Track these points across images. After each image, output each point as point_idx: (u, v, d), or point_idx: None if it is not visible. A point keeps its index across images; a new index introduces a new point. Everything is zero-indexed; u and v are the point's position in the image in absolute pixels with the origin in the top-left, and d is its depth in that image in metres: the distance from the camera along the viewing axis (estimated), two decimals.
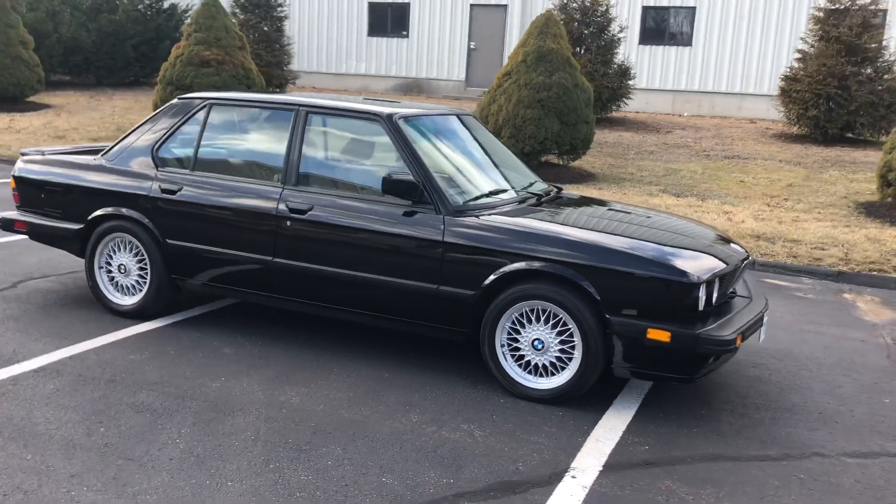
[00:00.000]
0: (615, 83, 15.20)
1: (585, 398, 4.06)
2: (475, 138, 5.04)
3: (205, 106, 4.84)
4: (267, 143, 4.67)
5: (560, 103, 10.86)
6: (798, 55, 14.95)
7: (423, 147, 4.39)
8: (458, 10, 20.78)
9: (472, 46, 20.79)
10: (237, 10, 17.82)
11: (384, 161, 4.38)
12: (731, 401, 4.25)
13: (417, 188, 4.13)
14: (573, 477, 3.31)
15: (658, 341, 3.75)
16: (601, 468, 3.40)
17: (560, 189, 5.13)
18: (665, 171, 12.11)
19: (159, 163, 4.84)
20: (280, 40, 18.15)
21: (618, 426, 3.81)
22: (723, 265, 4.03)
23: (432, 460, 3.38)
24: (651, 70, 19.20)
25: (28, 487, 2.99)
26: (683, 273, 3.75)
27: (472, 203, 4.27)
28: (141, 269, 4.89)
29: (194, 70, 12.74)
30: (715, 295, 3.96)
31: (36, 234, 5.19)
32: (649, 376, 3.93)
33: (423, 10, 21.17)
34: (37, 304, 5.10)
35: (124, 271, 4.93)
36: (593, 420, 3.86)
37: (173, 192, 4.70)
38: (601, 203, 4.96)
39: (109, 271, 4.99)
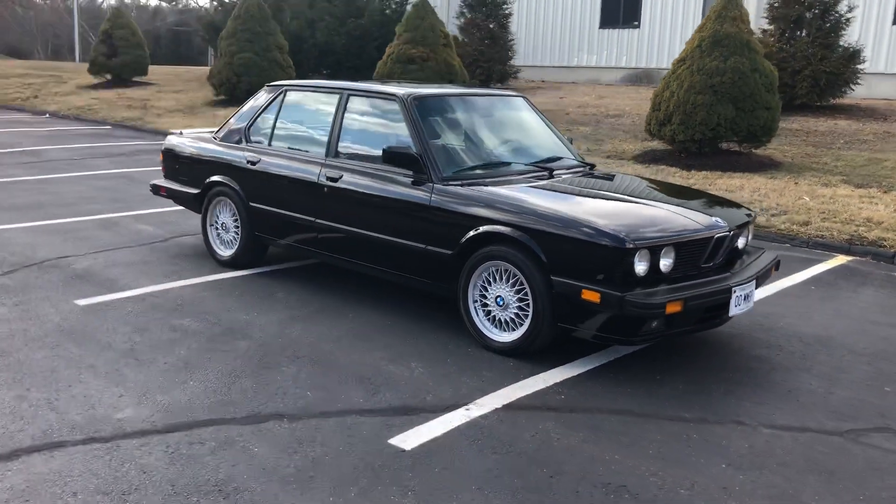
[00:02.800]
0: (837, 68, 14.07)
1: (553, 354, 4.37)
2: (511, 118, 5.46)
3: (283, 91, 5.77)
4: (321, 121, 5.46)
5: (735, 89, 10.51)
6: None
7: (431, 124, 4.93)
8: None
9: None
10: (465, 11, 18.96)
11: (402, 136, 4.97)
12: (702, 370, 4.31)
13: (414, 158, 4.69)
14: (467, 409, 3.72)
15: (591, 302, 3.99)
16: (499, 406, 3.77)
17: (592, 166, 5.39)
18: (865, 162, 11.16)
19: (249, 138, 5.86)
20: (504, 37, 19.02)
21: (553, 378, 4.11)
22: (680, 236, 4.13)
23: (360, 385, 3.97)
24: None
25: (57, 368, 4.07)
26: (618, 239, 3.94)
27: (462, 173, 4.75)
28: (236, 226, 5.94)
29: (401, 67, 14.01)
30: (666, 263, 4.08)
31: (173, 196, 6.47)
32: (598, 337, 4.16)
33: None
34: (170, 253, 6.38)
35: (225, 228, 6.03)
36: (536, 371, 4.18)
37: (254, 164, 5.68)
38: (626, 179, 5.15)
39: (216, 228, 6.11)
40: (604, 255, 3.96)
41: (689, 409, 3.83)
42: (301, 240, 5.46)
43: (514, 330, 4.38)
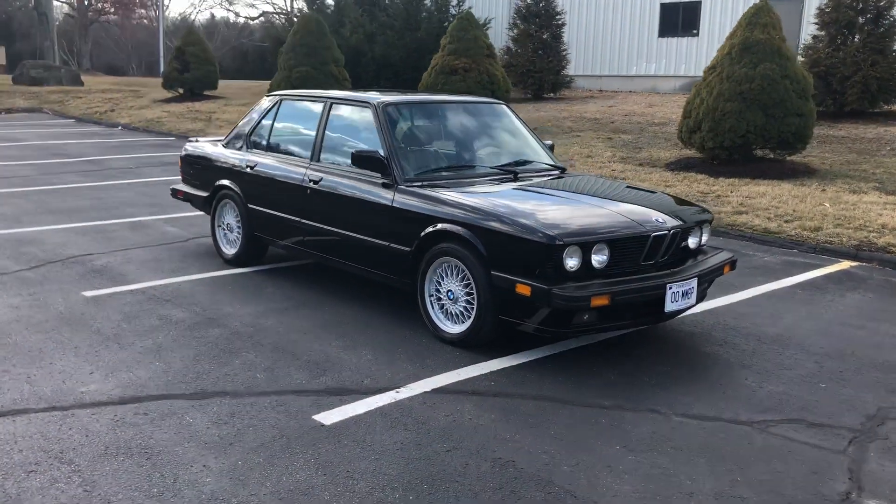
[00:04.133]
0: (889, 73, 13.74)
1: (501, 345, 4.59)
2: (488, 125, 5.73)
3: (279, 100, 6.19)
4: (309, 127, 5.85)
5: (764, 95, 10.46)
6: None
7: (401, 129, 5.25)
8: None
9: None
10: (518, 21, 19.23)
11: (375, 140, 5.29)
12: (641, 364, 4.47)
13: (380, 161, 5.01)
14: (396, 392, 4.00)
15: (524, 295, 4.21)
16: (428, 390, 4.03)
17: (563, 169, 5.60)
18: None
19: (251, 145, 6.29)
20: (557, 47, 19.19)
21: (491, 367, 4.34)
22: (612, 234, 4.31)
23: (307, 368, 4.30)
24: None
25: (45, 349, 4.54)
26: (547, 236, 4.16)
27: (424, 175, 5.04)
28: (238, 227, 6.37)
29: (444, 78, 14.38)
30: (599, 259, 4.27)
31: (188, 199, 6.96)
32: (537, 330, 4.37)
33: (714, 7, 20.73)
34: (184, 252, 6.87)
35: (230, 228, 6.47)
36: (478, 361, 4.42)
37: (252, 168, 6.11)
38: (589, 180, 5.35)
39: (222, 228, 6.56)
40: (534, 250, 4.19)
41: (611, 398, 4.01)
42: (291, 239, 5.84)
43: (463, 322, 4.63)
